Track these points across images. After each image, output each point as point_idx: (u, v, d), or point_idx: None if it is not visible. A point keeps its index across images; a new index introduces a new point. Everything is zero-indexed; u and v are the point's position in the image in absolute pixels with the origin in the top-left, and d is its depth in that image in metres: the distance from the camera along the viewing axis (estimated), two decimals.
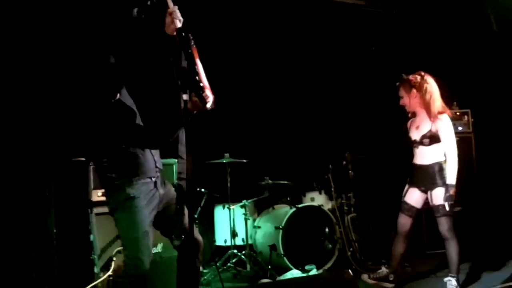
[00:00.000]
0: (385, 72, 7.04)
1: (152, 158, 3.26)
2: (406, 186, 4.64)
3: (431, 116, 4.38)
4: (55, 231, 4.24)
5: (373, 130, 6.99)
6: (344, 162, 6.07)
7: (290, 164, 6.66)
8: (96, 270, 4.28)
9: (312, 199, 6.13)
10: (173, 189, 3.38)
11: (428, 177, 4.42)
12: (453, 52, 6.87)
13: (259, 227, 5.93)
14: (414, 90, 4.43)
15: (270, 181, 6.05)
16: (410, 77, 4.49)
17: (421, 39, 6.92)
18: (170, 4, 2.92)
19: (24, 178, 4.15)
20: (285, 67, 6.89)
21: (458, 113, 6.36)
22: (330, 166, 6.05)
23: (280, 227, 5.46)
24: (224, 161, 5.84)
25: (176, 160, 3.11)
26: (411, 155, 4.65)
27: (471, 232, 5.89)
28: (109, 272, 4.16)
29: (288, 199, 6.09)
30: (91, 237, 4.35)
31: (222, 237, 6.15)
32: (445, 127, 4.34)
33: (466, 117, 6.40)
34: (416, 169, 4.54)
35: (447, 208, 4.27)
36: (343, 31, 6.85)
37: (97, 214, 4.35)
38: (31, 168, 4.19)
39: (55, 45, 4.41)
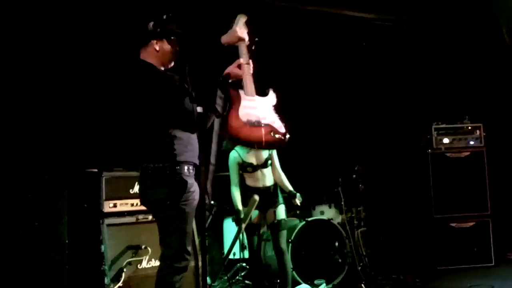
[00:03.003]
0: (397, 85, 7.05)
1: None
2: None
3: None
4: (67, 241, 4.27)
5: (383, 143, 6.96)
6: (354, 175, 6.06)
7: (299, 176, 6.61)
8: (106, 281, 4.27)
9: (322, 213, 6.10)
10: None
11: None
12: (465, 66, 6.86)
13: (268, 240, 5.89)
14: None
15: None
16: None
17: (432, 52, 6.92)
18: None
19: (39, 186, 4.18)
20: (297, 80, 6.88)
21: (470, 127, 6.36)
22: (340, 179, 6.02)
23: (290, 240, 5.41)
24: None
25: None
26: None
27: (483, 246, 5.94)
28: (119, 284, 4.17)
29: (298, 212, 6.05)
30: (102, 247, 4.34)
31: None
32: None
33: (478, 131, 6.39)
34: None
35: None
36: (352, 44, 6.85)
37: (108, 225, 4.37)
38: (46, 177, 4.23)
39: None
